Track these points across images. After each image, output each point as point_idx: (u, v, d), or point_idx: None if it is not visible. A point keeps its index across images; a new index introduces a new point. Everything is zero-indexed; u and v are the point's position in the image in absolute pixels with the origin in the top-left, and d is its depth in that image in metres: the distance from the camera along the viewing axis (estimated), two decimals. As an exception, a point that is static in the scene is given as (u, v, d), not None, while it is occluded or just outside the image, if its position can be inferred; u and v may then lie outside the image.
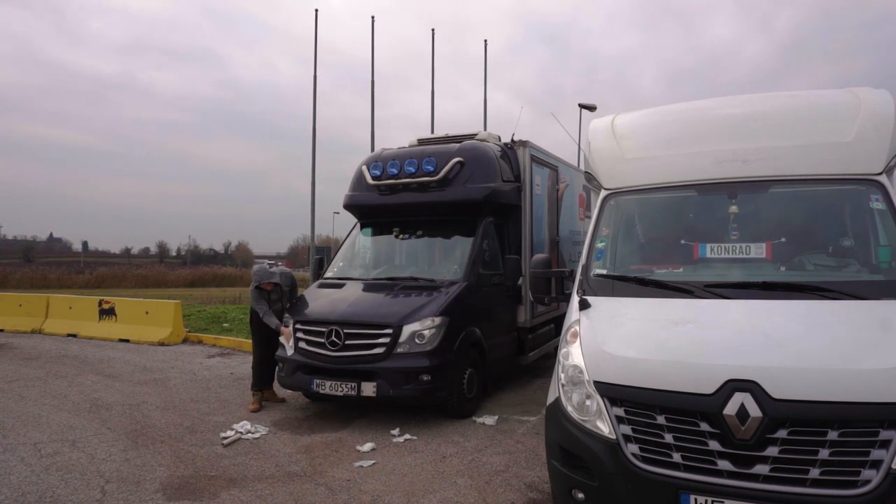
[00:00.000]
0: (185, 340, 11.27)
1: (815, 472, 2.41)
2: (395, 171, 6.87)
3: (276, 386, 6.69)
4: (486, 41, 23.87)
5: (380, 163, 7.06)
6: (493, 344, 6.56)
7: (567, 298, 3.82)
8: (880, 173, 3.29)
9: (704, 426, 2.57)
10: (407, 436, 5.38)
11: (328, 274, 7.17)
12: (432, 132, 10.20)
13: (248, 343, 10.55)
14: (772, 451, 2.46)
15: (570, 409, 2.97)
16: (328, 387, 5.70)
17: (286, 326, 6.15)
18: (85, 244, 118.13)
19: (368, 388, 5.52)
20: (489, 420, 5.88)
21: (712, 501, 2.52)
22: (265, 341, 6.56)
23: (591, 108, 18.22)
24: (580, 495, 2.90)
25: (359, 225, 7.57)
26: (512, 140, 7.58)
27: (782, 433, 2.45)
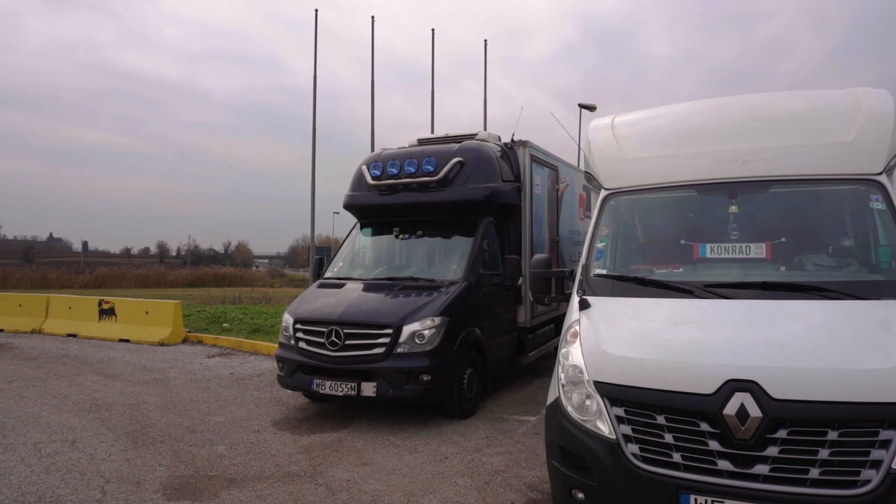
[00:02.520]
0: (185, 340, 11.27)
1: (815, 472, 2.41)
2: (395, 171, 6.87)
3: None
4: (485, 41, 23.89)
5: (380, 163, 7.06)
6: (492, 344, 6.56)
7: (567, 298, 3.82)
8: (880, 173, 3.29)
9: (704, 426, 2.57)
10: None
11: (328, 274, 7.17)
12: (432, 132, 10.21)
13: (248, 343, 10.55)
14: (772, 451, 2.46)
15: (570, 409, 2.97)
16: (328, 387, 5.69)
17: None
18: (85, 244, 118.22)
19: (368, 388, 5.52)
20: (489, 420, 5.88)
21: (712, 501, 2.52)
22: None
23: (591, 108, 18.23)
24: (580, 495, 2.90)
25: (359, 225, 7.57)
26: (512, 140, 7.58)
27: (782, 433, 2.45)
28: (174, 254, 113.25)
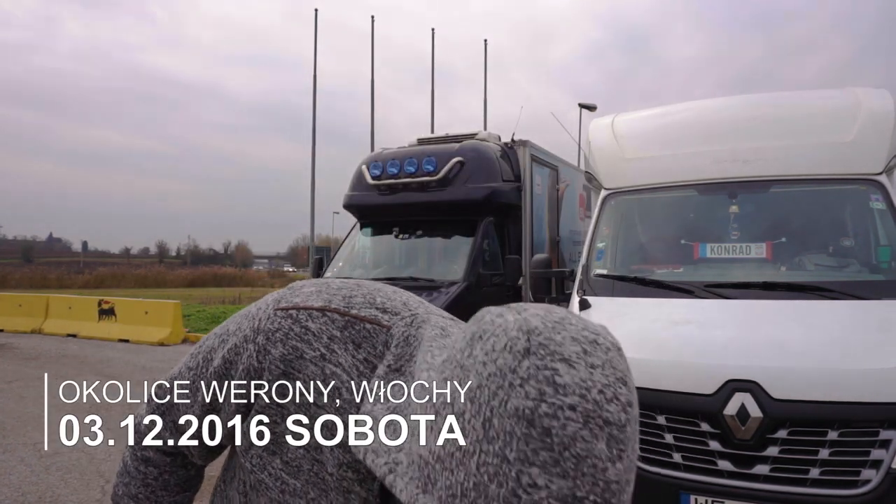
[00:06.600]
0: (184, 340, 11.26)
1: (815, 472, 2.41)
2: (394, 170, 6.86)
3: None
4: (485, 41, 23.85)
5: (379, 162, 7.06)
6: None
7: (567, 298, 3.82)
8: (880, 173, 3.29)
9: (705, 426, 2.57)
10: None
11: (327, 274, 7.16)
12: (432, 132, 10.21)
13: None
14: (772, 451, 2.46)
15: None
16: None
17: None
18: (85, 244, 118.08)
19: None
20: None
21: (712, 501, 2.52)
22: None
23: (592, 108, 18.22)
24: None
25: (358, 225, 7.56)
26: (512, 140, 7.57)
27: (782, 433, 2.45)
28: (174, 254, 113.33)
